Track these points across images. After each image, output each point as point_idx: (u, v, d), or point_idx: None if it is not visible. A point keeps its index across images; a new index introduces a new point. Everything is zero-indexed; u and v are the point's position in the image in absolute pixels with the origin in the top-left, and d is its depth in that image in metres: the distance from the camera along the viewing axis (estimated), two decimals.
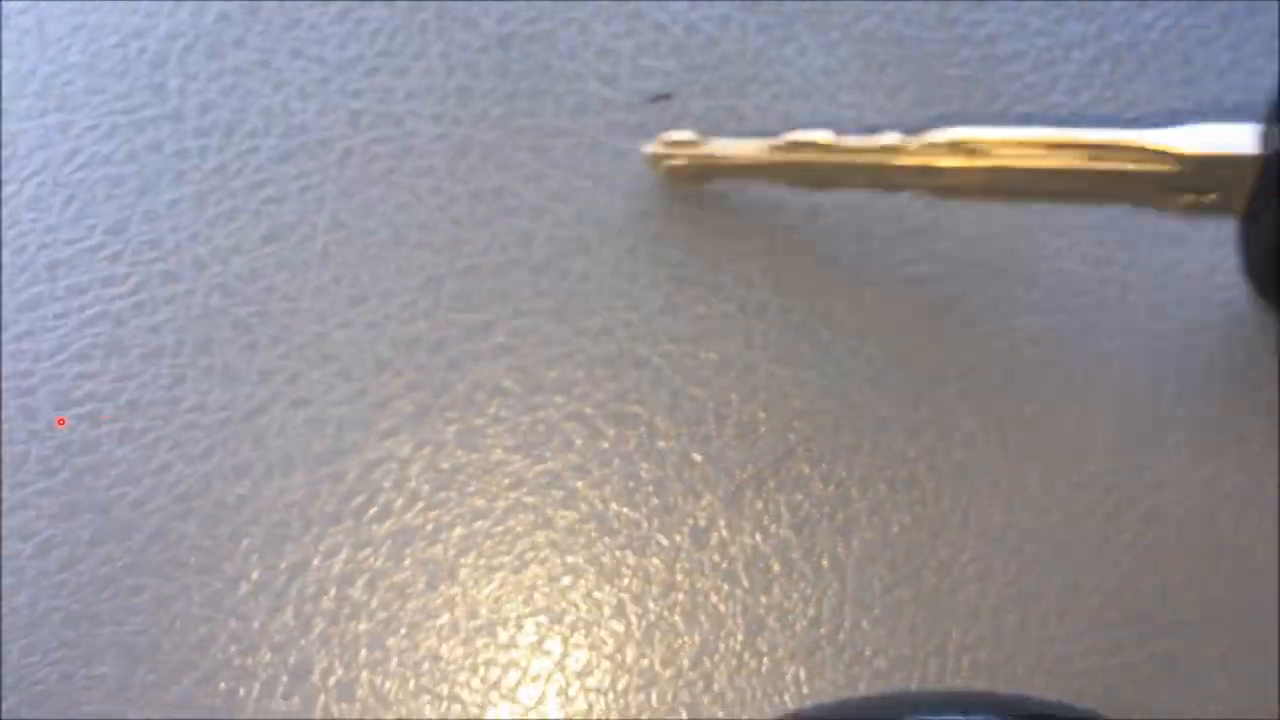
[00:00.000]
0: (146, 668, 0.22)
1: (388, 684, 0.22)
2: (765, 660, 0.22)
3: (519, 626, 0.22)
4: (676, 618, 0.22)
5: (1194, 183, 0.21)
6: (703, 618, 0.22)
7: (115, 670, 0.22)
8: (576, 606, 0.23)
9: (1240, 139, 0.21)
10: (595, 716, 0.22)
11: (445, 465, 0.23)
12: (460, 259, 0.24)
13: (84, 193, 0.24)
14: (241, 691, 0.22)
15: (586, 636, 0.22)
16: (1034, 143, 0.22)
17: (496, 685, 0.22)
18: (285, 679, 0.22)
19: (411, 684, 0.22)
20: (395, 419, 0.23)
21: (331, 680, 0.22)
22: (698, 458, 0.23)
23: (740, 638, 0.22)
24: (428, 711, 0.22)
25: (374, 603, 0.22)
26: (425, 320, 0.24)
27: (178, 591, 0.22)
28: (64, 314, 0.23)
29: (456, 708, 0.22)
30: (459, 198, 0.24)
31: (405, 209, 0.24)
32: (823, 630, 0.22)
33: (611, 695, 0.22)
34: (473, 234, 0.24)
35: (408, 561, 0.23)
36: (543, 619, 0.23)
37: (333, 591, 0.22)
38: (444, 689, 0.22)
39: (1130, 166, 0.21)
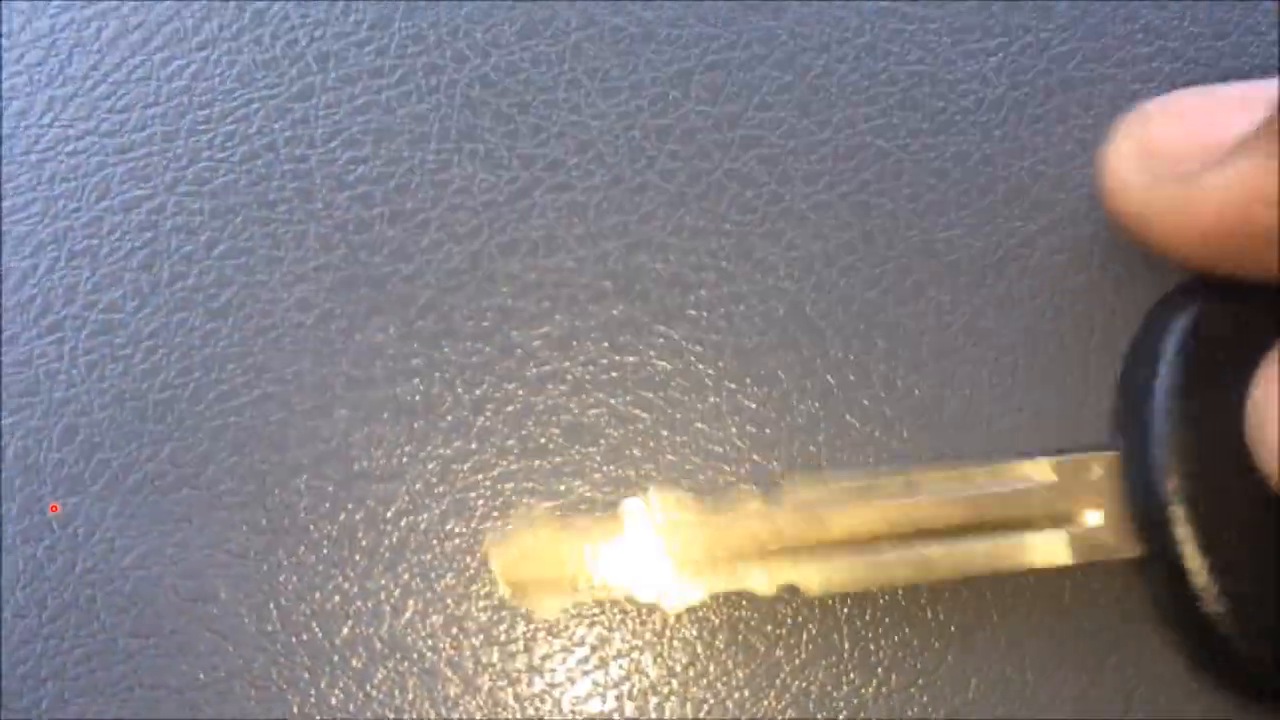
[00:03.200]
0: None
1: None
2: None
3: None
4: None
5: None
6: None
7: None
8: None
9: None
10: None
11: (710, 247, 0.24)
12: (709, 53, 0.25)
13: None
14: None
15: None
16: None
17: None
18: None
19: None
20: (652, 204, 0.24)
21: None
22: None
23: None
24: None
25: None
26: (675, 111, 0.24)
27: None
28: (335, 103, 0.25)
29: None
30: None
31: (653, 5, 0.25)
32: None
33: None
34: (719, 29, 0.25)
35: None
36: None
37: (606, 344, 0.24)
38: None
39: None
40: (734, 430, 0.23)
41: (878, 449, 0.23)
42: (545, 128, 0.24)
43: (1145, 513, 0.20)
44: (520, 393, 0.24)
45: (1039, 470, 0.21)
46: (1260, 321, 0.20)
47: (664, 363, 0.24)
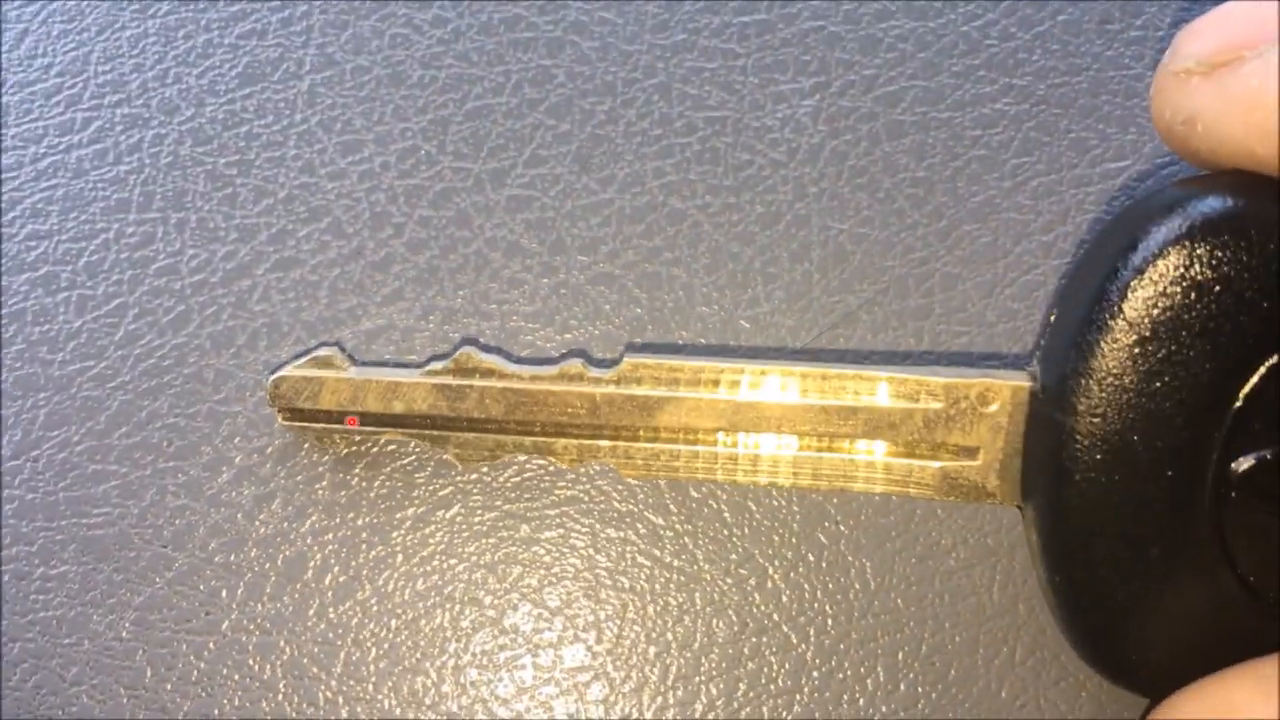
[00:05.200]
0: (113, 566, 0.19)
1: (392, 584, 0.19)
2: (826, 554, 0.19)
3: (542, 519, 0.19)
4: (722, 507, 0.19)
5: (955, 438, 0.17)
6: (752, 506, 0.19)
7: (77, 568, 0.19)
8: (607, 495, 0.20)
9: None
10: (630, 616, 0.19)
11: (454, 335, 0.20)
12: (469, 99, 0.21)
13: (37, 28, 0.21)
14: (224, 592, 0.19)
15: (619, 530, 0.19)
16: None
17: (516, 585, 0.19)
18: (274, 578, 0.19)
19: (420, 583, 0.19)
20: (397, 282, 0.20)
21: (327, 580, 0.19)
22: (744, 324, 0.20)
23: (796, 528, 0.19)
24: (438, 617, 0.19)
25: (378, 490, 0.19)
26: (429, 168, 0.20)
27: (149, 479, 0.19)
28: (15, 166, 0.20)
29: (472, 611, 0.19)
30: (465, 30, 0.21)
31: (403, 42, 0.21)
32: (890, 519, 0.19)
33: (649, 595, 0.19)
34: (483, 70, 0.21)
35: (412, 445, 0.20)
36: (568, 510, 0.20)
37: (327, 479, 0.19)
38: (456, 590, 0.19)
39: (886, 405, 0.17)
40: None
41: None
42: (270, 191, 0.20)
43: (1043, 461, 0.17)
44: (237, 519, 0.19)
45: (930, 388, 0.17)
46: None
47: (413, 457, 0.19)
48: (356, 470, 0.19)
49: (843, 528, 0.19)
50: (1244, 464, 0.16)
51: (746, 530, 0.19)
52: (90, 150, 0.20)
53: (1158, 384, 0.16)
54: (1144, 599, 0.16)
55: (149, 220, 0.20)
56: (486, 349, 0.19)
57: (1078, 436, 0.16)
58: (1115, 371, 0.16)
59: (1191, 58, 0.17)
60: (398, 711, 0.19)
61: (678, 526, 0.19)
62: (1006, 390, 0.17)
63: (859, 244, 0.20)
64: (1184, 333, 0.16)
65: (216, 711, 0.19)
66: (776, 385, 0.18)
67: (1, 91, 0.21)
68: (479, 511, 0.19)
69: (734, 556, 0.19)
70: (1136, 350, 0.16)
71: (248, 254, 0.20)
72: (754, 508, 0.19)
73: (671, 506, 0.19)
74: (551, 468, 0.19)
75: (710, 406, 0.18)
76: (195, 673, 0.19)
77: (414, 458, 0.19)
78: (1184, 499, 0.16)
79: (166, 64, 0.21)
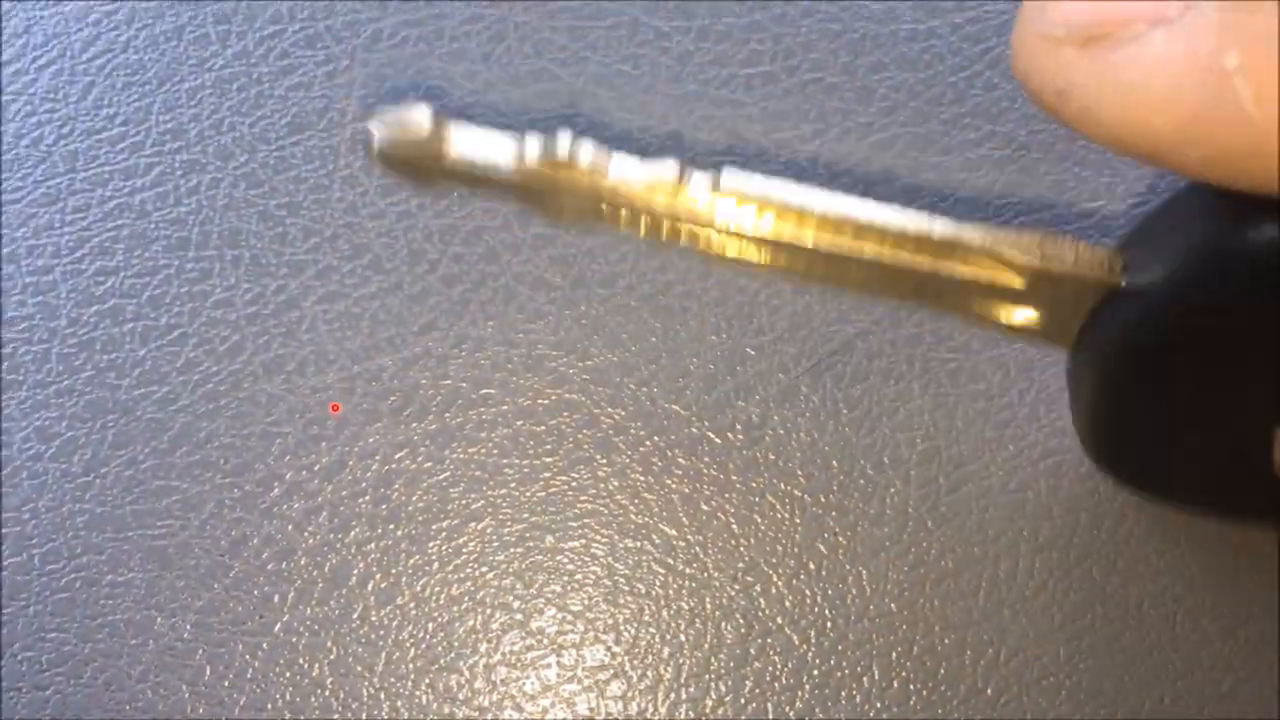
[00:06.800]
0: (175, 573, 0.21)
1: (429, 590, 0.21)
2: (825, 562, 0.21)
3: (565, 531, 0.21)
4: (731, 519, 0.21)
5: (1033, 300, 0.18)
6: (758, 519, 0.21)
7: (142, 575, 0.21)
8: (625, 509, 0.21)
9: (1077, 258, 0.17)
10: (646, 619, 0.21)
11: (485, 361, 0.22)
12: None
13: (102, 81, 0.23)
14: (276, 598, 0.21)
15: (636, 540, 0.21)
16: (839, 221, 0.18)
17: (542, 591, 0.21)
18: (321, 584, 0.21)
19: (455, 589, 0.21)
20: (432, 314, 0.22)
21: (369, 586, 0.21)
22: (750, 351, 0.22)
23: (798, 539, 0.21)
24: (471, 620, 0.21)
25: (413, 505, 0.21)
26: (461, 209, 0.22)
27: (207, 494, 0.21)
28: (84, 207, 0.22)
29: (501, 615, 0.21)
30: (495, 81, 0.23)
31: (438, 94, 0.23)
32: (885, 530, 0.21)
33: (663, 600, 0.21)
34: (511, 119, 0.23)
35: (447, 463, 0.21)
36: (590, 522, 0.21)
37: (369, 495, 0.21)
38: (487, 595, 0.21)
39: (962, 270, 0.18)
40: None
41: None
42: (317, 230, 0.22)
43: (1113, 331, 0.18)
44: (288, 530, 0.21)
45: (1024, 246, 0.18)
46: None
47: (465, 490, 0.21)
48: (396, 486, 0.21)
49: (841, 538, 0.21)
50: None
51: (753, 541, 0.21)
52: (152, 193, 0.22)
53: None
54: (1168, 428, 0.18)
55: (206, 257, 0.22)
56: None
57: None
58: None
59: (1063, 25, 0.15)
60: (434, 707, 0.21)
61: (689, 537, 0.21)
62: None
63: None
64: None
65: (269, 706, 0.21)
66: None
67: (73, 138, 0.22)
68: (508, 524, 0.21)
69: (741, 565, 0.21)
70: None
71: (297, 288, 0.22)
72: (759, 520, 0.21)
73: (684, 519, 0.21)
74: (574, 483, 0.21)
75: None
76: (250, 671, 0.21)
77: (448, 474, 0.21)
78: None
79: (221, 114, 0.23)
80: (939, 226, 0.18)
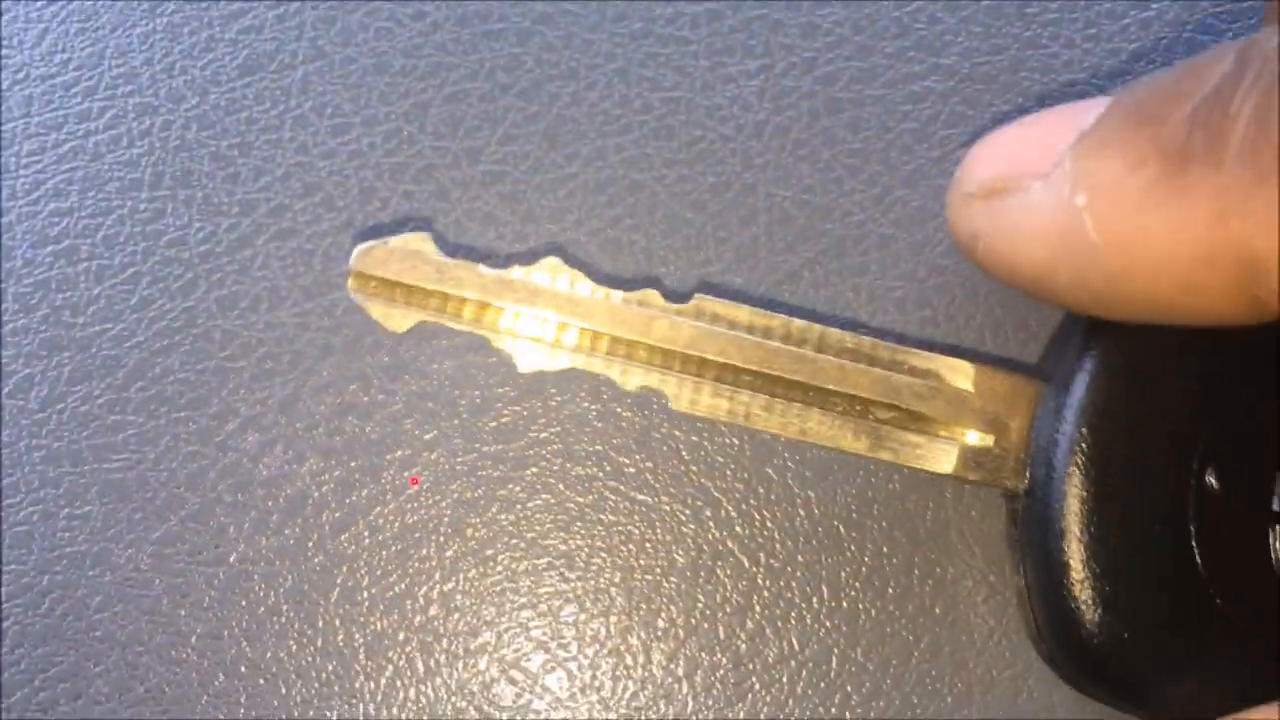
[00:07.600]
0: (132, 505, 0.21)
1: (383, 519, 0.21)
2: (774, 486, 0.21)
3: (518, 459, 0.22)
4: (680, 446, 0.22)
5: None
6: (707, 445, 0.22)
7: (100, 509, 0.21)
8: (576, 436, 0.22)
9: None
10: (598, 545, 0.21)
11: None
12: (446, 85, 0.23)
13: (56, 27, 0.23)
14: (232, 528, 0.21)
15: (586, 468, 0.22)
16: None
17: (495, 519, 0.21)
18: (276, 515, 0.21)
19: (409, 518, 0.21)
20: None
21: (324, 516, 0.21)
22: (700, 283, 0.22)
23: (746, 464, 0.21)
24: (425, 549, 0.21)
25: (366, 437, 0.22)
26: (411, 147, 0.23)
27: (163, 428, 0.22)
28: (38, 150, 0.23)
29: (455, 543, 0.21)
30: (443, 22, 0.23)
31: (387, 34, 0.23)
32: (832, 454, 0.21)
33: (615, 526, 0.21)
34: (459, 59, 0.23)
35: (399, 395, 0.22)
36: (541, 450, 0.22)
37: (323, 426, 0.22)
38: (441, 524, 0.21)
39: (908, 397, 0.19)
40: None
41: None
42: (269, 169, 0.22)
43: (1047, 452, 0.19)
44: (243, 462, 0.21)
45: (959, 370, 0.19)
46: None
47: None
48: (350, 419, 0.22)
49: (789, 463, 0.21)
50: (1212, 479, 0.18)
51: (702, 466, 0.22)
52: (106, 135, 0.23)
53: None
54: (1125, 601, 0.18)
55: (159, 197, 0.22)
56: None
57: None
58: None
59: (973, 182, 0.18)
60: (389, 633, 0.21)
61: (640, 464, 0.22)
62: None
63: (802, 209, 0.22)
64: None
65: (226, 633, 0.21)
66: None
67: (28, 83, 0.23)
68: (460, 454, 0.22)
69: (691, 490, 0.21)
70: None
71: (249, 226, 0.22)
72: (709, 446, 0.22)
73: (634, 446, 0.22)
74: (525, 412, 0.22)
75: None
76: (207, 599, 0.21)
77: (401, 405, 0.22)
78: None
79: (173, 57, 0.23)
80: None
